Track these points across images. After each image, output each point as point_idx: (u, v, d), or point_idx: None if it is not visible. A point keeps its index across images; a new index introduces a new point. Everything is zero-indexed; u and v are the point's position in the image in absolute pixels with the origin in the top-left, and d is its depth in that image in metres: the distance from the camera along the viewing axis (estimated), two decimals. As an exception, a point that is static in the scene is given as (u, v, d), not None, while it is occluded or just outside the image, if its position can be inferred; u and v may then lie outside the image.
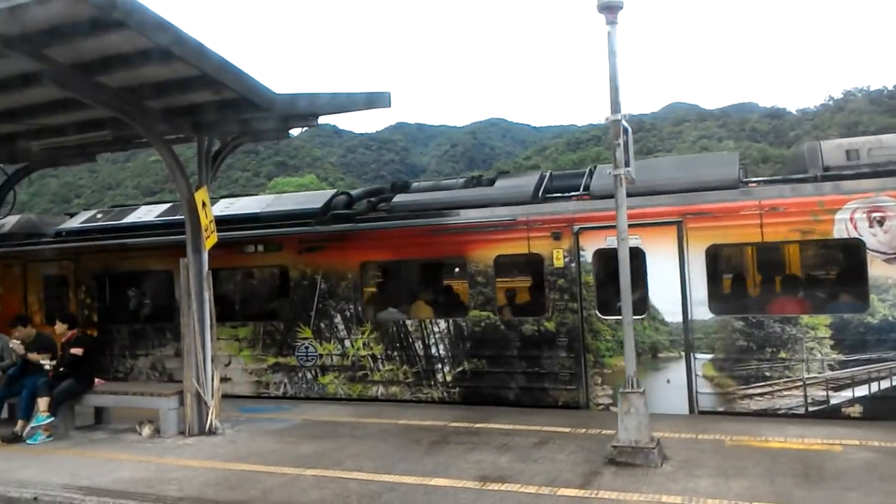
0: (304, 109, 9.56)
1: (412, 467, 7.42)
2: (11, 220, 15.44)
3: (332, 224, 11.85)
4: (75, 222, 14.87)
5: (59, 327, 10.34)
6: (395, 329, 11.27)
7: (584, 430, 8.69)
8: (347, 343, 11.56)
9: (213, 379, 9.50)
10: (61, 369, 9.91)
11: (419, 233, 11.07)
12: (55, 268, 14.32)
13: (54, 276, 14.40)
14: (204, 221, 9.39)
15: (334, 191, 13.25)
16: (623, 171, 7.46)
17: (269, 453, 8.34)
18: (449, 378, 10.87)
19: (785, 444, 7.73)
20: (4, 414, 10.30)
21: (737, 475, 6.69)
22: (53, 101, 9.05)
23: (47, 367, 9.93)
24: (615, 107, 7.46)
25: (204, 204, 9.41)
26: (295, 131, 10.51)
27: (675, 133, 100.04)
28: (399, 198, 11.90)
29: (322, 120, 10.11)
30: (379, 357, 11.33)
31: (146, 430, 9.61)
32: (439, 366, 10.94)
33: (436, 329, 10.98)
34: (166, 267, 12.39)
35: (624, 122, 7.47)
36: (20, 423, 9.70)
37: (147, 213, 14.12)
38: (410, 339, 11.15)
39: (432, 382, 10.97)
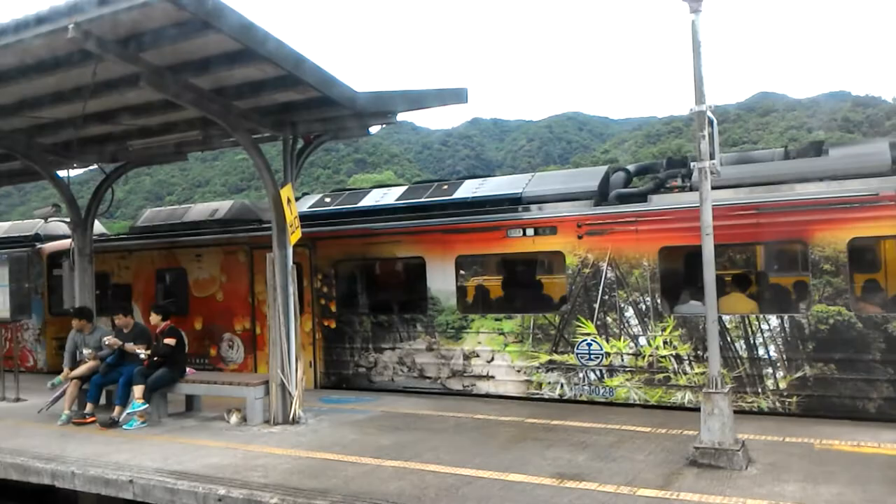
0: (383, 107, 9.69)
1: (489, 461, 7.45)
2: (225, 206, 14.90)
3: (618, 204, 10.45)
4: (303, 206, 13.42)
5: (154, 318, 10.77)
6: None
7: (664, 430, 8.52)
8: (643, 340, 9.98)
9: (297, 370, 9.77)
10: (155, 358, 10.33)
11: (740, 212, 9.42)
12: None
13: None
14: (289, 217, 9.65)
15: (605, 167, 11.90)
16: (708, 163, 7.24)
17: (349, 443, 8.51)
18: (783, 385, 9.17)
19: (878, 450, 7.39)
20: (102, 400, 10.76)
21: (826, 480, 6.44)
22: (149, 102, 9.45)
23: (142, 356, 10.37)
24: (700, 97, 7.25)
25: (289, 200, 9.64)
26: (374, 129, 10.52)
27: (762, 124, 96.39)
28: None
29: (400, 117, 10.18)
30: (685, 358, 9.72)
31: (233, 419, 9.94)
32: (769, 370, 9.26)
33: (764, 326, 9.30)
34: (416, 253, 11.76)
35: (709, 114, 7.24)
36: (117, 409, 10.17)
37: (384, 196, 13.01)
38: (729, 338, 9.43)
39: (759, 390, 9.29)
